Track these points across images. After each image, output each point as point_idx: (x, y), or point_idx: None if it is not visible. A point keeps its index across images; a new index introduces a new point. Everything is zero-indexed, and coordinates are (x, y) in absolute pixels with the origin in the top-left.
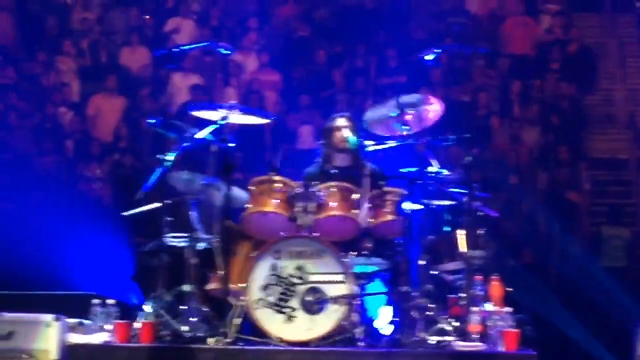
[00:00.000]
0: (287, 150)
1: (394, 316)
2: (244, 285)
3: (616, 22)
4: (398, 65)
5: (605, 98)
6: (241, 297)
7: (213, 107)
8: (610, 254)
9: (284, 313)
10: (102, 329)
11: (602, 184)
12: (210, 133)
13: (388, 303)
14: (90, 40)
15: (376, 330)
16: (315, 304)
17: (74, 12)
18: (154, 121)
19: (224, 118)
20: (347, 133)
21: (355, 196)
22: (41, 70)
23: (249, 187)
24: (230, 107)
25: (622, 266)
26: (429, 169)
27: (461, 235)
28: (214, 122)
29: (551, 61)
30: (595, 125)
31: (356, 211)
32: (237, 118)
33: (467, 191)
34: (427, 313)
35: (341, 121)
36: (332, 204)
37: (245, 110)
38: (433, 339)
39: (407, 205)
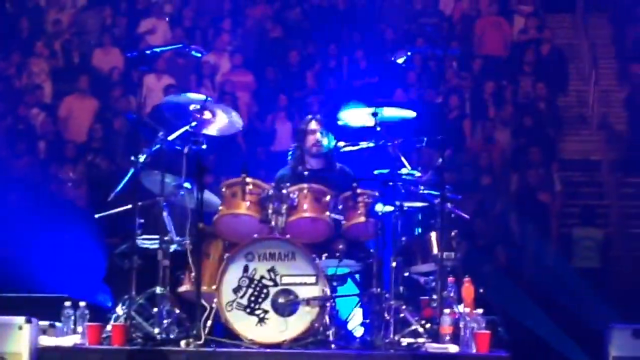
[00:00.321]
0: (262, 153)
1: (366, 318)
2: (216, 287)
3: (588, 24)
4: (371, 66)
5: (578, 99)
6: (213, 300)
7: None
8: (582, 255)
9: (256, 315)
10: (73, 332)
11: (575, 185)
12: (183, 135)
13: (360, 305)
14: (62, 41)
15: (348, 332)
16: (287, 306)
17: (47, 13)
18: (132, 116)
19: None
20: (319, 136)
21: (327, 198)
22: (14, 71)
23: (221, 189)
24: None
25: (595, 267)
26: (402, 170)
27: (433, 237)
28: (187, 124)
29: (524, 62)
30: (567, 126)
31: (328, 213)
32: (212, 126)
33: (439, 193)
34: (400, 315)
35: (313, 124)
36: (305, 205)
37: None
38: (405, 341)
39: (380, 207)
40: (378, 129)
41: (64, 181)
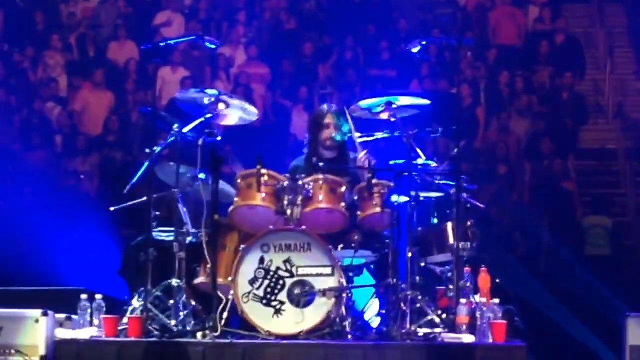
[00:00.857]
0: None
1: (382, 309)
2: (232, 279)
3: (604, 12)
4: (387, 58)
5: (594, 88)
6: (229, 291)
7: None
8: (593, 243)
9: (272, 306)
10: (90, 324)
11: (591, 174)
12: (199, 127)
13: (377, 296)
14: (78, 34)
15: (365, 322)
16: (303, 297)
17: (62, 6)
18: (147, 110)
19: (212, 106)
20: (333, 131)
21: (342, 189)
22: (29, 65)
23: (237, 181)
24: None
25: (606, 254)
26: (417, 161)
27: (449, 227)
28: (203, 116)
29: (539, 52)
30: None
31: (344, 204)
32: (226, 115)
33: (455, 183)
34: (416, 305)
35: (329, 117)
36: (320, 196)
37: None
38: (422, 331)
39: (395, 198)
40: (393, 119)
41: (80, 174)
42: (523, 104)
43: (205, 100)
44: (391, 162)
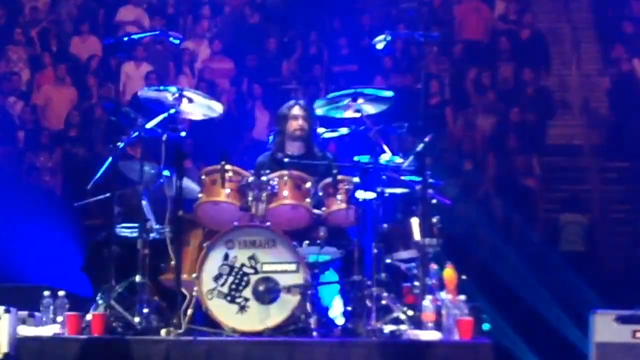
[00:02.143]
0: (241, 140)
1: (347, 305)
2: (196, 275)
3: (570, 7)
4: (350, 53)
5: (560, 84)
6: (193, 288)
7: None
8: (568, 240)
9: (237, 303)
10: (53, 321)
11: (557, 170)
12: (162, 122)
13: (342, 292)
14: (40, 28)
15: (330, 319)
16: (268, 293)
17: (23, 0)
18: (110, 105)
19: (176, 101)
20: (302, 122)
21: (307, 185)
22: None
23: (201, 177)
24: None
25: (580, 251)
26: (382, 157)
27: (415, 224)
28: (166, 111)
29: (502, 48)
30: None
31: (309, 200)
32: (190, 111)
33: (420, 179)
34: (381, 302)
35: (297, 109)
36: (285, 192)
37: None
38: (387, 328)
39: (361, 194)
40: (358, 115)
41: (41, 170)
42: (488, 100)
43: (169, 97)
44: (356, 158)
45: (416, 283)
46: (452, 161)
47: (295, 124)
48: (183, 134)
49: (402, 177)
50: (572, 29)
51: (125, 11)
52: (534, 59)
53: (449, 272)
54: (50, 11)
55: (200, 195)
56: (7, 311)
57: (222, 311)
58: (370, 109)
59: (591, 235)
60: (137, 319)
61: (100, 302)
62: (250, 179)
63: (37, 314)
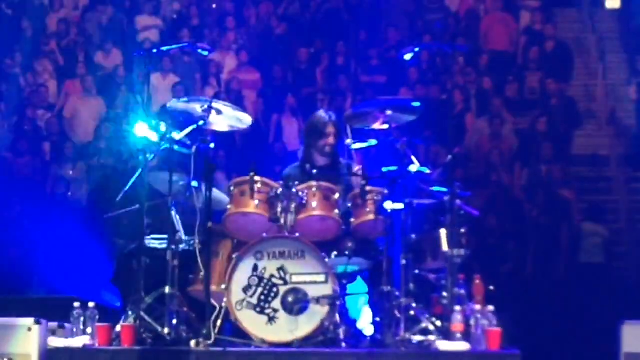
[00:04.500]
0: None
1: (376, 316)
2: (226, 286)
3: (595, 18)
4: (378, 64)
5: (586, 94)
6: (223, 299)
7: (197, 100)
8: (589, 251)
9: (266, 314)
10: (83, 332)
11: (583, 180)
12: (191, 134)
13: (370, 303)
14: (67, 41)
15: (359, 330)
16: (297, 304)
17: (50, 13)
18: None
19: (205, 113)
20: (332, 140)
21: (335, 196)
22: (19, 71)
23: (230, 188)
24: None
25: (601, 263)
26: (410, 167)
27: (443, 234)
28: (195, 123)
29: (529, 58)
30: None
31: (337, 211)
32: (217, 123)
33: (448, 190)
34: (410, 313)
35: (330, 127)
36: (313, 204)
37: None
38: (416, 339)
39: (389, 205)
40: (386, 126)
41: (70, 181)
42: (514, 110)
43: (198, 109)
44: (384, 169)
45: (444, 294)
46: (479, 172)
47: (327, 141)
48: (212, 145)
49: (430, 188)
50: (598, 39)
51: (141, 21)
52: (559, 70)
53: (477, 283)
54: (76, 23)
55: (229, 206)
56: (37, 322)
57: (251, 322)
58: (399, 120)
59: (612, 247)
60: (166, 330)
61: (130, 313)
62: (279, 190)
63: (67, 325)
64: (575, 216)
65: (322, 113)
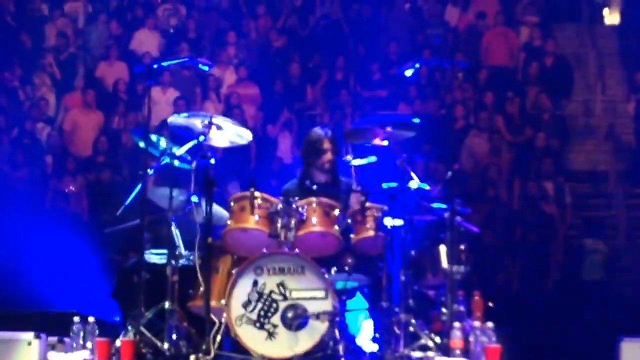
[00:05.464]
0: (268, 166)
1: (375, 332)
2: (225, 302)
3: (594, 33)
4: (378, 79)
5: (584, 109)
6: (222, 314)
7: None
8: (589, 267)
9: (265, 330)
10: (82, 347)
11: (582, 196)
12: (191, 149)
13: (370, 319)
14: (67, 54)
15: (358, 346)
16: (297, 320)
17: (50, 25)
18: (138, 132)
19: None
20: (330, 156)
21: (335, 212)
22: (18, 84)
23: (229, 204)
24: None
25: (600, 279)
26: (410, 184)
27: (443, 251)
28: (195, 138)
29: (529, 73)
30: (574, 137)
31: (337, 227)
32: (216, 138)
33: (448, 206)
34: (409, 329)
35: (327, 143)
36: (314, 219)
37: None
38: (415, 355)
39: (389, 221)
40: (386, 142)
41: (69, 195)
42: (514, 125)
43: (199, 124)
44: (384, 185)
45: (444, 310)
46: (477, 187)
47: (325, 158)
48: (212, 161)
49: (430, 204)
50: (597, 55)
51: (139, 35)
52: (558, 85)
53: (477, 299)
54: (77, 36)
55: (228, 221)
56: (37, 337)
57: (251, 337)
58: (398, 136)
59: (612, 263)
60: (166, 345)
61: (129, 328)
62: (280, 206)
63: (67, 339)
64: (572, 232)
65: (318, 130)
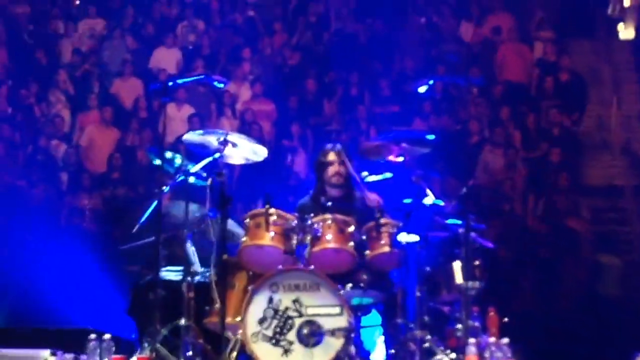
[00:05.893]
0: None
1: (390, 348)
2: (241, 318)
3: (610, 48)
4: (392, 94)
5: (600, 125)
6: (238, 331)
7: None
8: (605, 282)
9: (281, 346)
10: None
11: (598, 211)
12: (207, 165)
13: (385, 335)
14: (82, 71)
15: None
16: (312, 336)
17: (66, 42)
18: (154, 149)
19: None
20: (337, 167)
21: (350, 229)
22: (34, 101)
23: (245, 220)
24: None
25: (616, 294)
26: (425, 200)
27: (457, 267)
28: (211, 155)
29: (544, 89)
30: (589, 152)
31: (352, 244)
32: (232, 155)
33: (463, 222)
34: (424, 345)
35: (331, 155)
36: (328, 236)
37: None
38: None
39: (403, 237)
40: (401, 159)
41: (85, 212)
42: (529, 140)
43: (214, 141)
44: (402, 202)
45: (459, 326)
46: (492, 202)
47: (332, 170)
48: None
49: (445, 220)
50: (613, 70)
51: (158, 53)
52: (573, 101)
53: (492, 315)
54: (93, 53)
55: (244, 238)
56: (53, 354)
57: (267, 354)
58: (414, 152)
59: (628, 278)
60: None
61: (145, 345)
62: (295, 222)
63: (83, 356)
64: (588, 247)
65: (327, 146)
